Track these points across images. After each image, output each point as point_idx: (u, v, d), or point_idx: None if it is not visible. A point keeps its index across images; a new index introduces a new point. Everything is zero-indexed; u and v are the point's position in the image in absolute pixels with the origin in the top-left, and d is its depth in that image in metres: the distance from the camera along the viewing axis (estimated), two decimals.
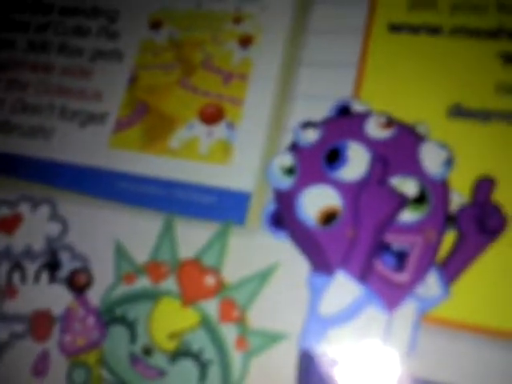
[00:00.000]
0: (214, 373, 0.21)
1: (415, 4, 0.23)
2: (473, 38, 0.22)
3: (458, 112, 0.21)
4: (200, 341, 0.21)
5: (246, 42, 0.24)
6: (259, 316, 0.21)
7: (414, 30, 0.22)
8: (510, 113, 0.21)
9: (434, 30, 0.22)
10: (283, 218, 0.22)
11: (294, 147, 0.22)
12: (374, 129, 0.22)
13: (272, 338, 0.21)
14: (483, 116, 0.21)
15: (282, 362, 0.20)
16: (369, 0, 0.23)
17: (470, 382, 0.18)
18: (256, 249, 0.22)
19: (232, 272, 0.22)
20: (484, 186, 0.20)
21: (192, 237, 0.23)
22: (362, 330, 0.20)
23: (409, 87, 0.22)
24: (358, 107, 0.23)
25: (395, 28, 0.23)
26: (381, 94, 0.22)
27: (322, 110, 0.23)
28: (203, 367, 0.21)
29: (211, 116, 0.24)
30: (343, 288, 0.20)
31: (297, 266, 0.21)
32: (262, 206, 0.22)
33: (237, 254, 0.22)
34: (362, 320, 0.20)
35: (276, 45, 0.24)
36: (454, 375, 0.19)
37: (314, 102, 0.23)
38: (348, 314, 0.20)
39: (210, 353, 0.21)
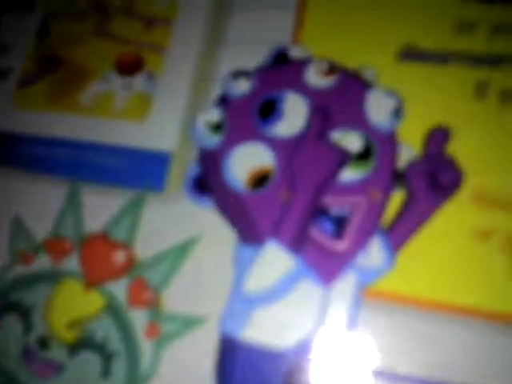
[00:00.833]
0: (119, 366, 0.22)
1: None
2: None
3: (410, 54, 0.23)
4: (105, 329, 0.22)
5: None
6: (175, 298, 0.22)
7: None
8: (469, 53, 0.22)
9: None
10: (208, 181, 0.23)
11: (223, 100, 0.24)
12: (315, 77, 0.23)
13: (188, 323, 0.22)
14: (439, 58, 0.22)
15: (200, 349, 0.21)
16: None
17: (413, 363, 0.19)
18: (175, 219, 0.23)
19: (145, 247, 0.23)
20: (437, 137, 0.22)
21: (101, 207, 0.24)
22: (293, 308, 0.21)
23: (354, 28, 0.23)
24: (296, 53, 0.24)
25: None
26: (323, 37, 0.24)
27: (256, 58, 0.24)
28: (107, 360, 0.22)
29: (128, 66, 0.25)
30: (273, 260, 0.21)
31: (221, 237, 0.22)
32: (184, 168, 0.24)
33: (152, 226, 0.23)
34: (293, 297, 0.21)
35: None
36: (395, 355, 0.20)
37: (247, 49, 0.24)
38: (278, 291, 0.21)
39: (115, 343, 0.22)
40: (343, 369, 0.20)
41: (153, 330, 0.22)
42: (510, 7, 0.22)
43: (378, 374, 0.19)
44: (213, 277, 0.22)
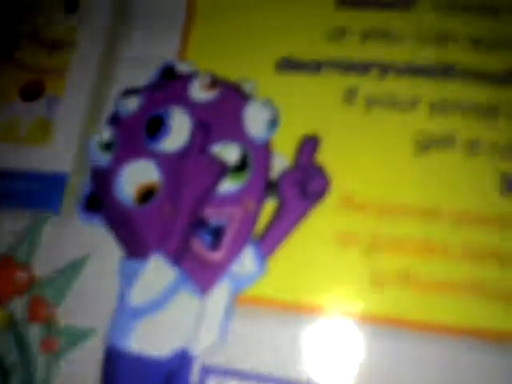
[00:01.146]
0: (15, 381, 0.25)
1: None
2: None
3: (288, 65, 0.25)
4: (4, 345, 0.25)
5: (71, 7, 0.29)
6: (69, 312, 0.25)
7: None
8: (340, 60, 0.25)
9: None
10: (100, 199, 0.26)
11: (115, 119, 0.27)
12: (198, 91, 0.26)
13: (79, 336, 0.24)
14: (313, 67, 0.25)
15: (88, 360, 0.24)
16: None
17: (282, 365, 0.22)
18: (69, 238, 0.26)
19: (44, 266, 0.26)
20: (307, 146, 0.24)
21: (5, 230, 0.27)
22: (172, 318, 0.23)
23: (235, 42, 0.26)
24: (183, 68, 0.27)
25: None
26: (208, 52, 0.26)
27: (146, 76, 0.27)
28: (4, 375, 0.25)
29: (30, 92, 0.28)
30: (156, 273, 0.24)
31: (110, 253, 0.25)
32: (79, 189, 0.27)
33: (50, 246, 0.26)
34: (173, 306, 0.24)
35: (101, 9, 0.29)
36: (270, 364, 0.22)
37: (140, 67, 0.27)
38: (159, 302, 0.24)
39: (13, 358, 0.25)
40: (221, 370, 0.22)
41: (49, 344, 0.25)
42: (380, 13, 0.25)
43: (247, 375, 0.22)
44: (100, 291, 0.25)
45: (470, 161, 0.22)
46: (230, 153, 0.24)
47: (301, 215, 0.23)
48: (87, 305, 0.25)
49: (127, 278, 0.24)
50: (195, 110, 0.25)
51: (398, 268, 0.22)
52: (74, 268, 0.25)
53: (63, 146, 0.27)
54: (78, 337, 0.24)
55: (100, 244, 0.25)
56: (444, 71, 0.23)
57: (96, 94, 0.28)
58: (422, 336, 0.21)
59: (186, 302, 0.23)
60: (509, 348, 0.20)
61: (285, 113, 0.24)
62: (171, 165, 0.25)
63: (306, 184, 0.23)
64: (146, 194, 0.25)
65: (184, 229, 0.24)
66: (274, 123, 0.24)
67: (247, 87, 0.25)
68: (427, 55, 0.24)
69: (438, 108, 0.23)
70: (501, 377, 0.20)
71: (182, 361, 0.23)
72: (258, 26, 0.26)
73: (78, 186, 0.26)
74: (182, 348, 0.23)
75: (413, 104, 0.23)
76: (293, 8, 0.25)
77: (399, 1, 0.25)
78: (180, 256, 0.24)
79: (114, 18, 0.29)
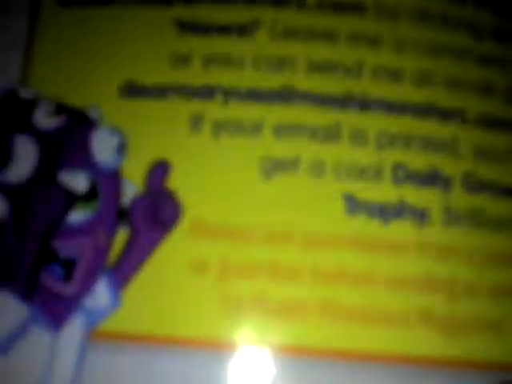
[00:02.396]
0: None
1: None
2: (145, 6, 0.24)
3: (132, 90, 0.23)
4: None
5: None
6: None
7: (84, 1, 0.25)
8: (185, 85, 0.23)
9: (106, 2, 0.25)
10: None
11: None
12: (43, 118, 0.23)
13: None
14: (159, 92, 0.23)
15: None
16: None
17: None
18: None
19: None
20: (157, 171, 0.22)
21: None
22: (24, 357, 0.21)
23: (80, 67, 0.23)
24: (25, 94, 0.24)
25: (64, 2, 0.25)
26: (51, 78, 0.24)
27: None
28: None
29: None
30: (5, 311, 0.21)
31: None
32: None
33: None
34: (24, 345, 0.21)
35: None
36: None
37: None
38: (9, 341, 0.21)
39: None
40: None
41: None
42: (221, 39, 0.24)
43: None
44: None
45: (315, 183, 0.22)
46: (78, 181, 0.22)
47: (154, 243, 0.21)
48: None
49: None
50: (41, 136, 0.23)
51: (251, 292, 0.21)
52: None
53: None
54: None
55: None
56: (285, 96, 0.23)
57: None
58: (280, 357, 0.20)
59: (37, 339, 0.21)
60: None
61: (133, 139, 0.22)
62: (17, 195, 0.22)
63: (157, 211, 0.22)
64: None
65: (33, 262, 0.21)
66: (121, 149, 0.22)
67: (93, 113, 0.23)
68: (268, 80, 0.23)
69: (282, 132, 0.22)
70: None
71: None
72: (103, 50, 0.24)
73: None
74: None
75: (257, 129, 0.22)
76: (136, 34, 0.24)
77: (238, 28, 0.23)
78: (30, 291, 0.21)
79: None
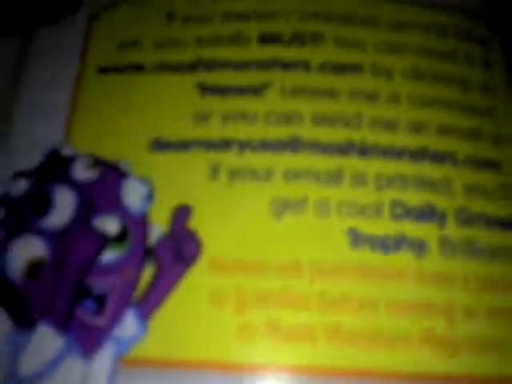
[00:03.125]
0: None
1: (121, 45, 0.28)
2: (172, 72, 0.27)
3: (159, 145, 0.26)
4: None
5: None
6: None
7: (120, 69, 0.27)
8: (205, 140, 0.26)
9: (138, 68, 0.27)
10: None
11: (4, 200, 0.26)
12: (81, 171, 0.26)
13: None
14: (182, 146, 0.26)
15: None
16: (80, 48, 0.28)
17: None
18: None
19: None
20: (180, 214, 0.24)
21: None
22: (60, 382, 0.22)
23: (114, 126, 0.26)
24: (66, 152, 0.27)
25: (104, 70, 0.28)
26: (89, 136, 0.26)
27: (34, 161, 0.27)
28: None
29: None
30: (44, 341, 0.23)
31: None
32: None
33: None
34: (60, 372, 0.23)
35: None
36: None
37: (29, 154, 0.27)
38: (47, 370, 0.23)
39: None
40: None
41: None
42: (237, 98, 0.26)
43: None
44: None
45: (321, 220, 0.23)
46: (110, 225, 0.24)
47: (177, 278, 0.23)
48: None
49: (17, 349, 0.23)
50: (79, 187, 0.25)
51: (265, 319, 0.22)
52: None
53: None
54: None
55: None
56: (293, 145, 0.25)
57: None
58: (290, 379, 0.21)
59: (72, 366, 0.22)
60: None
61: (159, 187, 0.24)
62: (57, 239, 0.24)
63: (180, 249, 0.23)
64: (34, 269, 0.24)
65: (69, 298, 0.23)
66: (149, 197, 0.24)
67: (124, 166, 0.25)
68: (278, 132, 0.25)
69: (291, 177, 0.24)
70: None
71: None
72: (134, 111, 0.26)
73: None
74: None
75: (268, 174, 0.24)
76: (164, 96, 0.26)
77: (252, 89, 0.26)
78: (66, 324, 0.23)
79: (2, 109, 0.28)
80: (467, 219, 0.23)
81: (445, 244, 0.22)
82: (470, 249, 0.22)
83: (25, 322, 0.23)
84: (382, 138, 0.24)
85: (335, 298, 0.21)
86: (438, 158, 0.24)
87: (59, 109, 0.27)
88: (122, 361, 0.22)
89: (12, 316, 0.23)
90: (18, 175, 0.26)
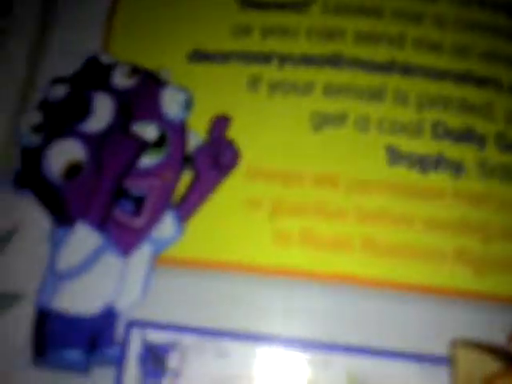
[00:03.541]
0: None
1: None
2: None
3: (199, 56, 0.25)
4: None
5: (3, 10, 0.28)
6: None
7: None
8: (245, 52, 0.25)
9: None
10: (29, 177, 0.25)
11: (44, 104, 0.26)
12: (120, 78, 0.25)
13: (6, 301, 0.23)
14: (221, 58, 0.25)
15: (19, 323, 0.23)
16: None
17: (200, 317, 0.22)
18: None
19: None
20: (219, 123, 0.24)
21: None
22: (98, 278, 0.22)
23: (153, 36, 0.25)
24: (105, 59, 0.26)
25: None
26: (128, 45, 0.25)
27: (73, 67, 0.27)
28: None
29: None
30: (81, 239, 0.23)
31: (39, 223, 0.24)
32: (9, 167, 0.25)
33: None
34: (98, 268, 0.23)
35: (31, 10, 0.28)
36: (188, 317, 0.22)
37: (66, 59, 0.27)
38: (85, 265, 0.23)
39: None
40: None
41: None
42: (278, 13, 0.25)
43: (168, 327, 0.21)
44: (30, 258, 0.23)
45: (361, 136, 0.23)
46: (149, 131, 0.24)
47: (214, 184, 0.23)
48: (17, 272, 0.23)
49: (55, 245, 0.23)
50: (117, 94, 0.25)
51: (299, 228, 0.22)
52: (3, 237, 0.24)
53: None
54: (7, 301, 0.23)
55: (30, 215, 0.24)
56: (335, 61, 0.24)
57: (26, 82, 0.27)
58: (322, 286, 0.21)
59: (109, 264, 0.22)
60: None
61: (198, 97, 0.24)
62: (96, 142, 0.24)
63: (218, 157, 0.23)
64: (73, 170, 0.24)
65: (107, 199, 0.23)
66: (188, 105, 0.24)
67: (163, 75, 0.25)
68: (319, 48, 0.24)
69: (331, 92, 0.24)
70: None
71: (107, 316, 0.22)
72: (173, 22, 0.25)
73: (8, 164, 0.25)
74: (107, 305, 0.22)
75: (309, 88, 0.24)
76: (204, 8, 0.25)
77: (294, 3, 0.25)
78: (104, 223, 0.23)
79: (41, 17, 0.28)
80: (506, 145, 0.22)
81: (483, 166, 0.22)
82: (507, 173, 0.22)
83: (64, 220, 0.23)
84: (426, 59, 0.23)
85: (372, 212, 0.21)
86: (481, 82, 0.23)
87: (97, 17, 0.26)
88: (159, 260, 0.22)
89: (52, 214, 0.24)
90: (57, 80, 0.26)
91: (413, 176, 0.22)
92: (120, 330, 0.21)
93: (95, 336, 0.21)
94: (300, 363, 0.20)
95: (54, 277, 0.22)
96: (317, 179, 0.22)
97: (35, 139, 0.24)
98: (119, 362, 0.20)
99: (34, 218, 0.24)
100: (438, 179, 0.22)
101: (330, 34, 0.24)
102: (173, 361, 0.20)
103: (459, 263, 0.21)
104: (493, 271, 0.20)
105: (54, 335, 0.21)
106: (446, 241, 0.21)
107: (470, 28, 0.24)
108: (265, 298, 0.21)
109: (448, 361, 0.19)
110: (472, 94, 0.23)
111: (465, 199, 0.21)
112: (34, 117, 0.25)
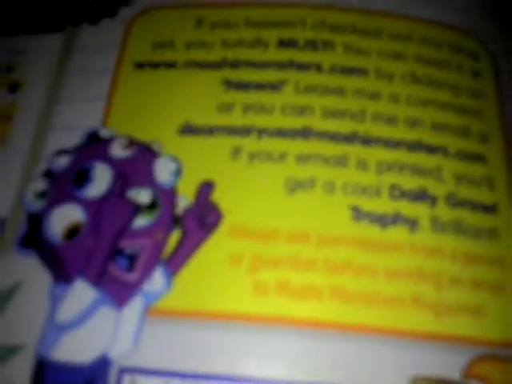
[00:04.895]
0: None
1: (156, 45, 0.31)
2: (201, 69, 0.30)
3: (188, 130, 0.28)
4: None
5: (13, 87, 0.31)
6: (1, 332, 0.25)
7: (155, 65, 0.30)
8: (228, 126, 0.28)
9: (170, 65, 0.30)
10: (33, 239, 0.27)
11: (48, 173, 0.28)
12: (117, 150, 0.28)
13: (6, 352, 0.25)
14: (208, 131, 0.28)
15: (18, 373, 0.24)
16: (118, 45, 0.31)
17: (189, 361, 0.23)
18: (6, 268, 0.26)
19: None
20: (204, 189, 0.26)
21: None
22: (93, 330, 0.24)
23: (148, 113, 0.28)
24: (105, 133, 0.29)
25: (140, 65, 0.30)
26: (125, 121, 0.28)
27: (75, 140, 0.29)
28: None
29: None
30: (79, 294, 0.25)
31: (41, 281, 0.26)
32: (16, 231, 0.27)
33: None
34: (94, 321, 0.24)
35: (39, 88, 0.31)
36: (175, 363, 0.23)
37: (69, 134, 0.29)
38: (82, 318, 0.24)
39: None
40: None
41: None
42: (257, 92, 0.28)
43: (158, 372, 0.23)
44: (31, 313, 0.25)
45: (328, 197, 0.25)
46: (143, 196, 0.26)
47: (199, 242, 0.25)
48: (18, 325, 0.25)
49: (55, 300, 0.25)
50: (115, 164, 0.27)
51: (275, 280, 0.24)
52: (7, 293, 0.26)
53: (2, 196, 0.28)
54: (7, 353, 0.24)
55: (32, 273, 0.26)
56: (305, 133, 0.27)
57: (33, 153, 0.29)
58: (296, 331, 0.23)
59: (105, 316, 0.24)
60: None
61: (186, 165, 0.26)
62: (94, 207, 0.26)
63: (203, 218, 0.25)
64: (72, 232, 0.26)
65: (104, 257, 0.25)
66: (177, 173, 0.27)
67: (155, 147, 0.28)
68: (292, 122, 0.27)
69: (302, 160, 0.26)
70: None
71: (101, 365, 0.23)
72: (166, 101, 0.28)
73: (15, 228, 0.27)
74: (101, 354, 0.23)
75: (283, 158, 0.26)
76: (193, 89, 0.28)
77: (270, 84, 0.28)
78: (100, 280, 0.25)
79: (48, 94, 0.30)
80: (456, 203, 0.25)
81: (435, 222, 0.24)
82: (457, 227, 0.24)
83: (64, 278, 0.25)
84: (383, 131, 0.26)
85: (339, 263, 0.23)
86: (431, 149, 0.26)
87: (98, 98, 0.29)
88: (150, 312, 0.24)
89: (53, 272, 0.25)
90: (60, 152, 0.28)
91: (374, 231, 0.24)
92: (113, 376, 0.22)
93: (90, 383, 0.23)
94: None
95: (54, 329, 0.24)
96: (290, 236, 0.24)
97: (39, 204, 0.27)
98: None
99: (37, 276, 0.25)
100: (396, 234, 0.24)
101: (301, 110, 0.27)
102: None
103: (416, 308, 0.23)
104: (446, 315, 0.22)
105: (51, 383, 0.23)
106: (404, 288, 0.23)
107: (420, 103, 0.27)
108: (245, 344, 0.22)
109: None
110: (423, 159, 0.26)
111: (420, 251, 0.24)
112: (39, 184, 0.27)
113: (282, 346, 0.22)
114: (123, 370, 0.22)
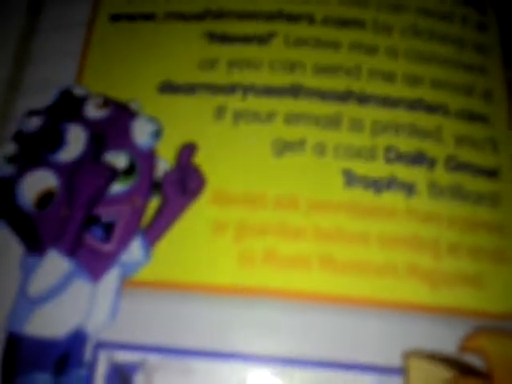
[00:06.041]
0: None
1: None
2: (182, 21, 0.28)
3: (168, 88, 0.27)
4: None
5: None
6: None
7: (132, 17, 0.29)
8: (211, 84, 0.27)
9: (148, 17, 0.28)
10: (3, 207, 0.26)
11: (19, 136, 0.27)
12: (92, 110, 0.27)
13: None
14: (189, 89, 0.27)
15: None
16: None
17: (166, 336, 0.22)
18: None
19: None
20: (186, 151, 0.25)
21: None
22: (68, 303, 0.23)
23: (125, 70, 0.27)
24: (78, 92, 0.28)
25: (115, 18, 0.29)
26: (100, 78, 0.27)
27: (47, 100, 0.28)
28: None
29: None
30: (52, 266, 0.24)
31: (11, 252, 0.25)
32: None
33: None
34: (68, 293, 0.24)
35: (7, 45, 0.30)
36: (155, 337, 0.23)
37: (40, 93, 0.28)
38: (56, 290, 0.24)
39: None
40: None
41: None
42: (243, 46, 0.27)
43: (135, 346, 0.22)
44: (3, 285, 0.24)
45: (319, 160, 0.24)
46: (119, 160, 0.25)
47: (181, 209, 0.24)
48: None
49: (27, 273, 0.24)
50: (89, 125, 0.26)
51: (262, 248, 0.23)
52: None
53: None
54: None
55: (3, 244, 0.25)
56: (294, 91, 0.26)
57: (1, 115, 0.28)
58: (283, 303, 0.22)
59: (79, 288, 0.23)
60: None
61: (166, 126, 0.25)
62: (68, 172, 0.25)
63: (185, 182, 0.25)
64: (45, 199, 0.25)
65: (78, 226, 0.24)
66: (157, 134, 0.25)
67: (134, 106, 0.26)
68: (281, 79, 0.26)
69: (291, 120, 0.25)
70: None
71: (76, 339, 0.23)
72: (144, 56, 0.27)
73: None
74: (76, 328, 0.23)
75: (270, 117, 0.25)
76: (173, 43, 0.27)
77: (257, 37, 0.27)
78: (74, 250, 0.24)
79: (17, 52, 0.29)
80: (455, 166, 0.24)
81: (433, 187, 0.24)
82: (456, 193, 0.24)
83: (36, 248, 0.24)
84: (380, 89, 0.25)
85: (329, 231, 0.23)
86: (430, 108, 0.25)
87: (71, 54, 0.28)
88: (127, 284, 0.23)
89: (24, 242, 0.25)
90: (31, 113, 0.27)
91: (367, 197, 0.23)
92: (89, 351, 0.22)
93: (64, 358, 0.22)
94: (262, 378, 0.21)
95: (26, 302, 0.23)
96: (278, 201, 0.23)
97: (9, 169, 0.26)
98: (87, 383, 0.21)
99: (7, 247, 0.24)
100: (391, 199, 0.23)
101: (291, 66, 0.26)
102: (139, 379, 0.21)
103: (412, 278, 0.22)
104: (443, 285, 0.22)
105: (24, 359, 0.22)
106: (399, 257, 0.22)
107: (420, 58, 0.26)
108: (229, 317, 0.22)
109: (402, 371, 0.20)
110: (422, 119, 0.25)
111: (416, 218, 0.23)
112: (9, 148, 0.26)
113: (269, 319, 0.21)
114: (99, 345, 0.22)
